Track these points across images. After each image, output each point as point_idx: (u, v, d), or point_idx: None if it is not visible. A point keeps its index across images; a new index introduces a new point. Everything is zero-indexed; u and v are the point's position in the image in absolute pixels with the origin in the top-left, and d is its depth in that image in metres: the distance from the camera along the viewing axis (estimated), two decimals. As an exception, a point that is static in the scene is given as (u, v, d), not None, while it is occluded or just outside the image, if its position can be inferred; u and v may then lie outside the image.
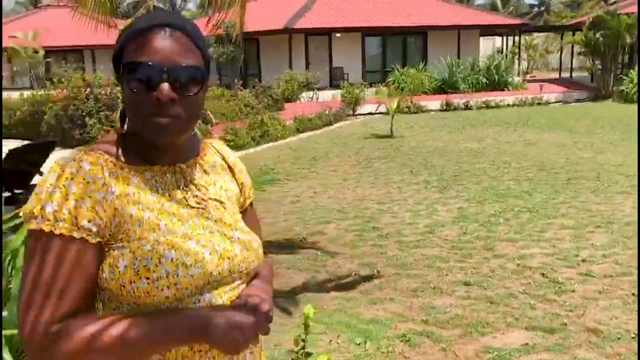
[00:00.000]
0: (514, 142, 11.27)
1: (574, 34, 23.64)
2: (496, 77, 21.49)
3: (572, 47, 24.74)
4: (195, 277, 1.04)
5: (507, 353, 3.27)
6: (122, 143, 1.10)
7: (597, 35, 19.63)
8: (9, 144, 7.02)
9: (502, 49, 27.85)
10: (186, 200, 1.12)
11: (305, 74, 20.27)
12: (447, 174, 8.38)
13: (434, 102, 18.31)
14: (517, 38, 26.69)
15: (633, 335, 3.41)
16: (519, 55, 26.70)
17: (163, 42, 1.04)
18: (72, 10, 6.31)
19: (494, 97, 19.09)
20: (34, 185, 5.89)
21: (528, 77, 27.00)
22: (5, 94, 16.70)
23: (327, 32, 22.58)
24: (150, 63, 1.02)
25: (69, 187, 1.00)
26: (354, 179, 8.28)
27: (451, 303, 3.97)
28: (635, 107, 16.54)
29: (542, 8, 46.52)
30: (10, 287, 2.56)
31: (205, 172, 1.20)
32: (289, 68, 20.94)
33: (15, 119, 12.80)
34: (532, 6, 47.82)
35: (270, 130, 12.10)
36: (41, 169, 6.01)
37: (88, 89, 11.24)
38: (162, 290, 1.01)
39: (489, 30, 26.78)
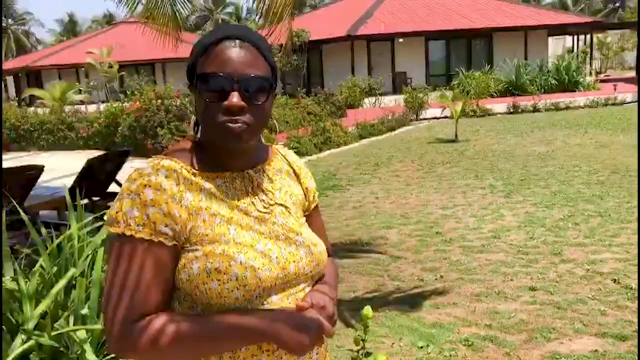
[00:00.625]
0: (584, 144, 10.86)
1: (650, 30, 22.56)
2: (566, 78, 20.79)
3: (649, 43, 23.59)
4: (263, 280, 1.09)
5: (574, 359, 3.19)
6: (195, 150, 1.17)
7: (676, 30, 18.64)
8: (90, 154, 7.44)
9: (573, 49, 26.89)
10: (254, 205, 1.18)
11: (367, 80, 20.31)
12: (513, 178, 8.20)
13: (500, 105, 17.90)
14: (588, 37, 25.72)
15: None
16: (591, 55, 25.67)
17: (232, 54, 1.11)
18: (143, 25, 6.64)
19: (563, 98, 18.45)
20: (111, 193, 6.18)
21: (601, 76, 25.91)
22: (82, 107, 17.68)
23: (390, 38, 22.55)
24: (221, 74, 1.10)
25: (147, 194, 1.07)
26: (416, 184, 8.24)
27: (516, 308, 3.90)
28: None
29: (617, 4, 44.51)
30: (90, 285, 2.75)
31: (271, 177, 1.25)
32: (352, 74, 21.05)
33: (93, 130, 13.54)
34: (605, 3, 45.84)
35: (333, 137, 12.21)
36: (117, 177, 6.35)
37: (159, 101, 11.74)
38: (232, 291, 1.07)
39: (558, 30, 25.94)
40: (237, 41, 1.12)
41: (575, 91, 20.22)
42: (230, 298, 1.08)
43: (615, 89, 19.18)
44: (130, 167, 1.20)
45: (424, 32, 22.69)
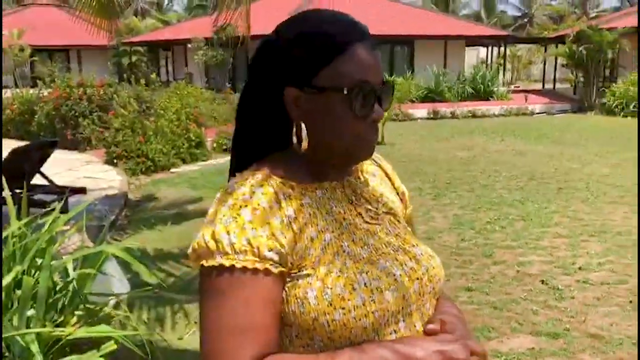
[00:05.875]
0: (502, 151, 11.45)
1: (557, 47, 24.08)
2: (482, 87, 21.80)
3: (556, 59, 25.18)
4: (392, 303, 0.94)
5: (515, 357, 3.37)
6: (286, 161, 1.02)
7: (581, 48, 20.02)
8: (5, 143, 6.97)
9: (487, 60, 28.24)
10: (361, 217, 1.03)
11: (294, 79, 20.34)
12: (439, 182, 8.50)
13: (421, 111, 18.51)
14: (501, 49, 27.12)
15: (634, 342, 3.53)
16: (504, 66, 27.09)
17: (373, 57, 0.98)
18: (59, 9, 6.33)
19: (480, 106, 19.37)
20: (35, 185, 5.81)
21: (512, 87, 27.39)
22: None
23: (316, 38, 22.66)
24: (371, 84, 0.97)
25: (244, 215, 0.91)
26: (348, 185, 8.34)
27: (455, 308, 4.05)
28: (617, 119, 16.93)
29: (526, 20, 47.24)
30: (37, 284, 2.59)
31: (370, 184, 1.11)
32: (278, 73, 20.99)
33: (5, 117, 12.68)
34: (515, 18, 48.51)
35: (262, 135, 12.13)
36: (41, 169, 6.00)
37: (81, 90, 11.19)
38: (359, 320, 0.91)
39: (474, 41, 27.15)
40: (369, 40, 0.99)
41: (489, 100, 21.25)
42: (358, 328, 0.91)
43: (526, 100, 20.35)
44: (222, 186, 1.02)
45: (349, 34, 22.97)
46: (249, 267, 0.90)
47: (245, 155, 1.05)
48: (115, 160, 9.38)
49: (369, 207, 1.06)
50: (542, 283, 4.51)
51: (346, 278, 0.92)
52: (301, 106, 0.98)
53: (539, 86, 28.81)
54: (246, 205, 0.92)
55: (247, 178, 0.97)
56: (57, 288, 2.81)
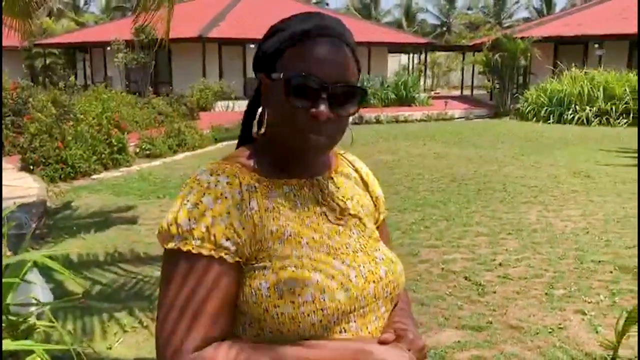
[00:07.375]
0: (424, 155, 11.83)
1: (474, 54, 25.17)
2: (404, 93, 22.43)
3: (473, 66, 26.29)
4: (342, 302, 0.95)
5: (442, 350, 3.51)
6: (258, 154, 1.05)
7: (496, 56, 21.04)
8: None
9: (408, 66, 29.11)
10: (326, 216, 1.05)
11: (220, 84, 20.15)
12: (366, 185, 8.67)
13: (346, 115, 18.78)
14: (422, 56, 28.04)
15: (550, 330, 3.77)
16: (425, 73, 28.00)
17: (328, 55, 0.98)
18: None
19: (402, 112, 19.93)
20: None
21: (432, 93, 28.35)
22: None
23: (241, 43, 22.60)
24: (314, 77, 0.97)
25: (206, 203, 0.94)
26: (277, 189, 8.37)
27: (385, 306, 4.17)
28: (530, 124, 17.91)
29: (445, 28, 49.10)
30: None
31: (340, 185, 1.12)
32: (203, 77, 20.74)
33: None
34: (435, 26, 50.31)
35: (188, 139, 11.95)
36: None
37: (-8, 92, 10.58)
38: (307, 316, 0.93)
39: (396, 48, 27.93)
40: (334, 39, 1.00)
41: (411, 106, 21.90)
42: (306, 323, 0.93)
43: (446, 105, 21.14)
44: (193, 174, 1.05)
45: (274, 39, 23.01)
46: (204, 253, 0.93)
47: (241, 141, 1.14)
48: (32, 167, 8.94)
49: (334, 207, 1.07)
50: (466, 279, 4.73)
51: (300, 273, 0.95)
52: (264, 93, 1.07)
53: (457, 92, 29.97)
54: (210, 194, 0.95)
55: (217, 167, 1.00)
56: (-23, 299, 2.66)
